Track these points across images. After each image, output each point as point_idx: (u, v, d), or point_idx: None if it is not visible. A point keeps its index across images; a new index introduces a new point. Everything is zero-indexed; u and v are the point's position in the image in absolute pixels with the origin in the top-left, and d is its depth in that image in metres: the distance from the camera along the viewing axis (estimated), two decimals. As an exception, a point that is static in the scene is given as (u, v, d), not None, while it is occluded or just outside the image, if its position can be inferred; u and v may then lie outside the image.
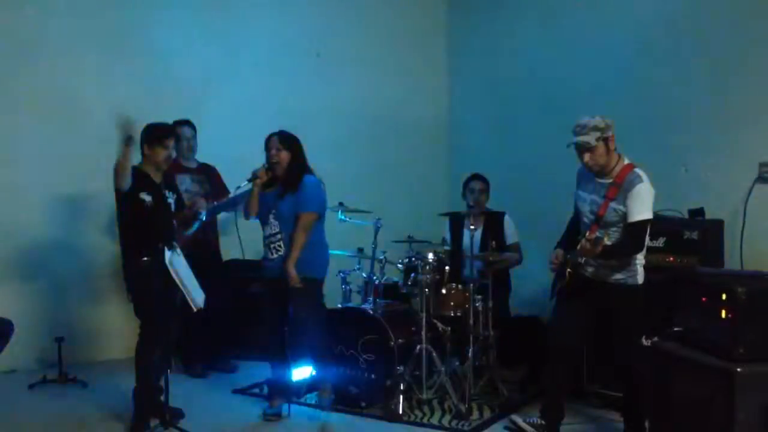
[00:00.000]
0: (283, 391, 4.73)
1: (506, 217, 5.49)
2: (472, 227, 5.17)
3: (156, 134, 4.39)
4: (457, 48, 7.53)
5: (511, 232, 5.47)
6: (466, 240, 5.31)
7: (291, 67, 6.83)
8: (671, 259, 4.49)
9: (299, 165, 4.59)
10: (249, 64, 6.68)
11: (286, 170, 4.58)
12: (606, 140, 3.87)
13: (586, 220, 4.04)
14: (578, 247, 3.82)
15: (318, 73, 6.94)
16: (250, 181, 4.60)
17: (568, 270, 4.01)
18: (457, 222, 5.59)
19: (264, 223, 4.67)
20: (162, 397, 4.33)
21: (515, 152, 6.57)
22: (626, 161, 3.93)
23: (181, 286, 4.19)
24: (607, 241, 3.73)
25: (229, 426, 4.55)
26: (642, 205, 3.81)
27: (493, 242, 5.06)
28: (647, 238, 3.89)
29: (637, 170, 3.88)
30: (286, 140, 4.59)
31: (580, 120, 3.93)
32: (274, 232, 4.60)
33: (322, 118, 6.59)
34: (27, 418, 4.71)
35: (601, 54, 5.87)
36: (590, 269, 4.00)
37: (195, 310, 4.25)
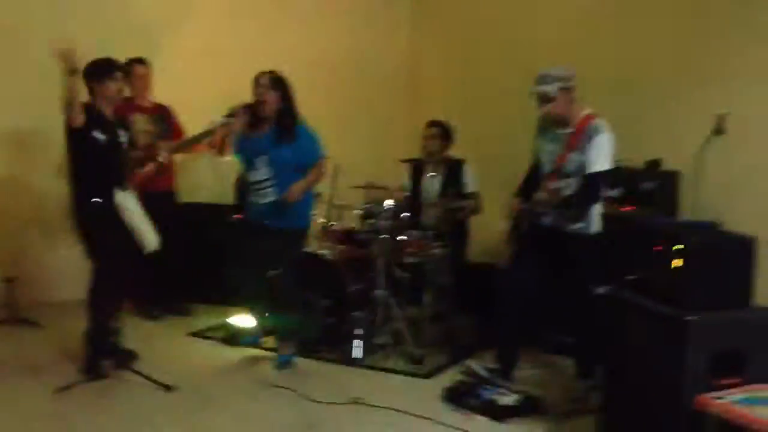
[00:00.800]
0: (288, 336, 4.66)
1: (465, 165, 5.48)
2: (431, 174, 5.14)
3: (104, 67, 4.24)
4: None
5: (470, 180, 5.46)
6: (425, 187, 5.29)
7: (253, 12, 6.63)
8: (628, 209, 4.54)
9: (292, 110, 4.46)
10: (209, 6, 6.46)
11: (279, 115, 4.43)
12: (567, 90, 3.87)
13: (545, 169, 4.04)
14: (537, 195, 3.84)
15: (280, 19, 6.76)
16: (227, 117, 4.41)
17: (525, 219, 4.04)
18: (417, 169, 5.56)
19: (251, 167, 4.51)
20: (115, 339, 4.29)
21: (476, 101, 6.51)
22: (587, 111, 3.93)
23: (132, 228, 4.11)
24: (566, 191, 3.75)
25: (184, 368, 4.53)
26: (602, 156, 3.82)
27: (452, 190, 5.05)
28: (606, 188, 3.92)
29: (598, 120, 3.89)
30: (277, 81, 4.44)
31: (542, 70, 3.91)
32: (263, 178, 4.46)
33: (283, 64, 6.41)
34: (-24, 359, 4.64)
35: (564, 5, 5.81)
36: (547, 219, 4.03)
37: (147, 251, 4.18)
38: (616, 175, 4.13)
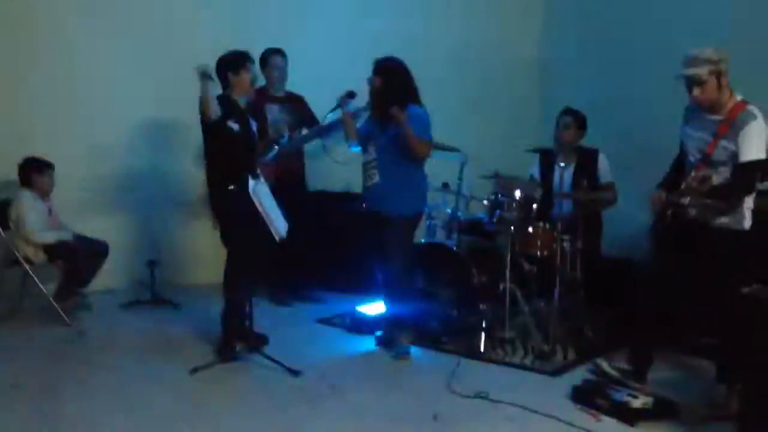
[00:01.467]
0: (402, 327, 4.63)
1: (600, 155, 5.24)
2: (562, 164, 4.96)
3: (238, 60, 4.41)
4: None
5: (605, 170, 5.22)
6: (556, 177, 5.12)
7: (383, 3, 6.65)
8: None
9: (395, 93, 4.41)
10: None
11: (379, 98, 4.45)
12: (719, 74, 3.61)
13: (692, 158, 3.80)
14: (683, 185, 3.61)
15: (409, 6, 6.74)
16: (334, 109, 4.59)
17: (669, 212, 3.79)
18: (547, 159, 5.38)
19: (364, 150, 4.60)
20: (247, 323, 4.43)
21: (610, 88, 6.23)
22: (739, 97, 3.67)
23: (264, 215, 4.23)
24: (716, 181, 3.50)
25: (312, 354, 4.62)
26: (754, 145, 3.55)
27: (585, 181, 4.86)
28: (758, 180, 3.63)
29: (751, 107, 3.62)
30: (381, 66, 4.45)
31: (691, 51, 3.65)
32: (370, 159, 4.52)
33: (414, 52, 6.36)
34: (121, 335, 4.96)
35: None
36: (693, 211, 3.77)
37: (277, 239, 4.29)
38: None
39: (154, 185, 6.11)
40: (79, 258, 5.17)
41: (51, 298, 5.08)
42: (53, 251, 5.14)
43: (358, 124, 4.65)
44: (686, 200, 3.69)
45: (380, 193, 4.47)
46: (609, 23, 6.49)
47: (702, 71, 3.59)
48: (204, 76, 4.19)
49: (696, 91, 3.65)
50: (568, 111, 5.31)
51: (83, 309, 5.36)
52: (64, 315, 5.03)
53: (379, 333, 4.81)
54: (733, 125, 3.60)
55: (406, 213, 4.51)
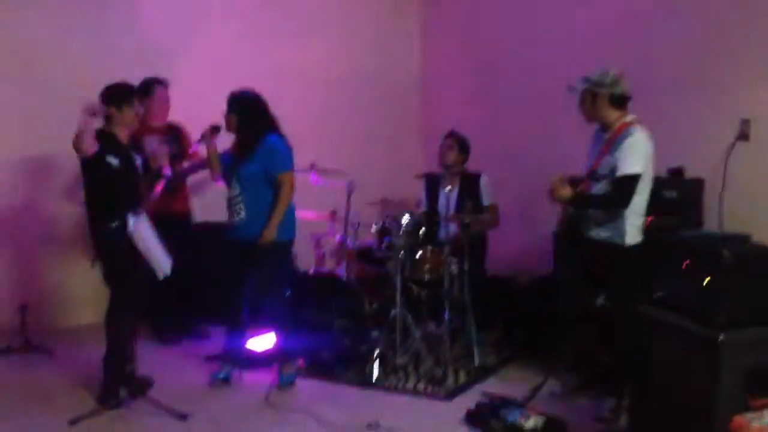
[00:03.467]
0: (236, 359, 4.63)
1: (483, 177, 5.37)
2: (447, 188, 5.03)
3: (122, 94, 4.20)
4: (429, 5, 7.33)
5: (487, 192, 5.35)
6: (441, 201, 5.18)
7: (261, 30, 6.55)
8: (650, 218, 4.40)
9: (251, 126, 4.43)
10: (219, 21, 6.39)
11: (238, 133, 4.46)
12: (593, 95, 3.87)
13: (582, 173, 4.01)
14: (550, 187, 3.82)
15: (289, 32, 6.68)
16: (198, 142, 4.57)
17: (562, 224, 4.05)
18: (432, 183, 5.46)
19: (228, 185, 4.53)
20: (130, 366, 4.21)
21: (491, 112, 6.39)
22: (629, 118, 3.89)
23: (145, 253, 4.05)
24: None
25: (200, 394, 4.44)
26: (631, 158, 3.73)
27: (469, 203, 4.95)
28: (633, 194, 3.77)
29: (634, 127, 3.82)
30: (232, 103, 4.45)
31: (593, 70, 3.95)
32: (234, 194, 4.46)
33: (293, 78, 6.37)
34: (-10, 389, 4.58)
35: (588, 12, 5.63)
36: (580, 224, 3.98)
37: (161, 277, 4.12)
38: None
39: (21, 223, 5.72)
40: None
41: None
42: None
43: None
44: (569, 210, 3.95)
45: (247, 227, 4.41)
46: (482, 47, 6.66)
47: (579, 86, 3.91)
48: (91, 113, 3.97)
49: (578, 104, 3.95)
50: (450, 134, 5.42)
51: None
52: None
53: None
54: (614, 142, 3.80)
55: (282, 239, 4.45)
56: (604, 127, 3.94)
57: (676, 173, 4.62)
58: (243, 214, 4.43)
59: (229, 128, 4.47)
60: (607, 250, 3.86)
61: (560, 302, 4.21)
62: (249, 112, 4.44)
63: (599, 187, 3.86)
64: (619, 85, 3.86)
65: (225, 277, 4.60)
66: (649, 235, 3.91)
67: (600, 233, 3.88)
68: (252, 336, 4.76)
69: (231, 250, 4.52)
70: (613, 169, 3.76)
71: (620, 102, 3.89)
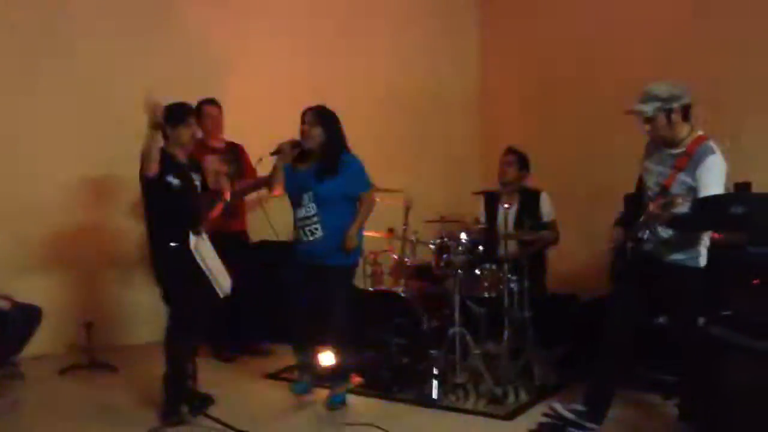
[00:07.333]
0: (310, 372, 4.60)
1: (542, 195, 5.30)
2: (506, 206, 4.97)
3: (177, 114, 4.25)
4: (488, 14, 7.28)
5: (547, 210, 5.27)
6: (500, 218, 5.13)
7: (319, 48, 6.62)
8: (717, 235, 4.27)
9: (336, 144, 4.40)
10: (271, 39, 6.47)
11: (322, 150, 4.39)
12: (669, 112, 3.59)
13: (650, 193, 3.77)
14: (642, 217, 3.59)
15: (345, 48, 6.74)
16: (273, 154, 4.47)
17: (630, 245, 3.76)
18: (491, 200, 5.41)
19: (297, 204, 4.46)
20: (191, 383, 4.26)
21: (549, 129, 6.32)
22: (700, 132, 3.66)
23: (207, 273, 4.10)
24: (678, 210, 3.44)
25: (260, 411, 4.46)
26: (714, 179, 3.53)
27: (528, 221, 4.89)
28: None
29: (711, 142, 3.61)
30: (321, 115, 4.40)
31: (646, 86, 3.64)
32: (310, 214, 4.40)
33: (348, 94, 6.39)
34: (58, 404, 4.70)
35: (653, 14, 5.49)
36: (650, 246, 3.74)
37: (222, 296, 4.16)
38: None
39: (86, 243, 5.87)
40: (8, 326, 4.89)
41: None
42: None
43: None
44: (645, 234, 3.68)
45: (324, 248, 4.38)
46: (543, 60, 6.59)
47: (647, 108, 3.59)
48: (156, 125, 3.95)
49: (646, 127, 3.66)
50: (509, 150, 5.37)
51: (15, 378, 5.07)
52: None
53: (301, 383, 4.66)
54: (691, 159, 3.59)
55: (349, 263, 4.49)
56: (672, 143, 3.69)
57: (744, 188, 4.48)
58: (319, 233, 4.40)
59: (308, 142, 4.42)
60: (682, 274, 3.69)
61: (610, 322, 3.99)
62: (334, 127, 4.42)
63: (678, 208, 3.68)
64: (687, 95, 3.63)
65: (293, 295, 4.54)
66: (714, 251, 3.77)
67: (675, 257, 3.71)
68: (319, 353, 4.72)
69: (301, 269, 4.49)
70: (690, 189, 3.57)
71: (688, 113, 3.66)
